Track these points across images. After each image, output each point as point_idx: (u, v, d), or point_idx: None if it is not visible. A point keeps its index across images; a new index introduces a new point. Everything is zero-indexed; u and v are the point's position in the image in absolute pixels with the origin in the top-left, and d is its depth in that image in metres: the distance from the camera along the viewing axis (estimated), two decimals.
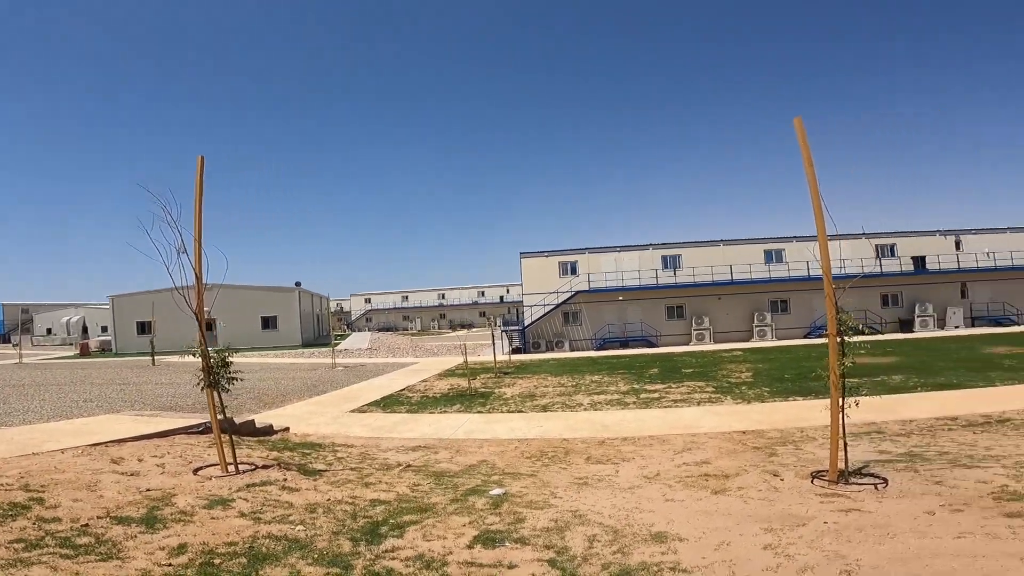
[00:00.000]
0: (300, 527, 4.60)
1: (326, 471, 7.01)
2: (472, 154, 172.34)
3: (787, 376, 16.46)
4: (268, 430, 10.35)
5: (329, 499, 5.49)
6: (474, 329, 70.82)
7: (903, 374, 15.52)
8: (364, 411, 13.71)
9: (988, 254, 33.85)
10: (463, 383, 17.67)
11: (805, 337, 32.46)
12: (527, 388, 16.97)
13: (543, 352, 33.65)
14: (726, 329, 34.04)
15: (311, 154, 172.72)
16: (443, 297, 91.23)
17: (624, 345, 33.95)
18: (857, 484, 5.79)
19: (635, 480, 6.55)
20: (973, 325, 33.06)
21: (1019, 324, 31.94)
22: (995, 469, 6.16)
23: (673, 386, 15.73)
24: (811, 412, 11.08)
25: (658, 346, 33.01)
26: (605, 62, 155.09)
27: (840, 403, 5.97)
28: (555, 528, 4.63)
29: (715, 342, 33.04)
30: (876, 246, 34.47)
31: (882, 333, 32.05)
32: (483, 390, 16.81)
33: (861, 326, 6.53)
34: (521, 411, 13.16)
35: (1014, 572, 3.38)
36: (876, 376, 15.33)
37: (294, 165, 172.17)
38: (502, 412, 13.12)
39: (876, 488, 5.62)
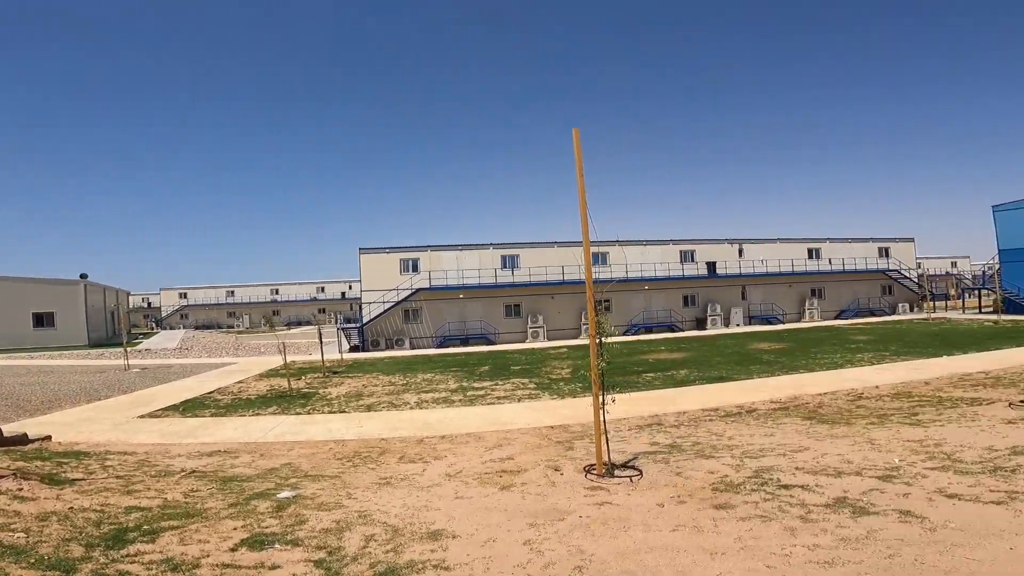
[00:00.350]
0: (22, 534, 3.98)
1: (81, 480, 6.09)
2: (319, 146, 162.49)
3: None
4: (21, 439, 8.78)
5: (71, 508, 4.81)
6: (311, 327, 66.68)
7: (688, 368, 17.88)
8: (158, 416, 12.15)
9: (762, 261, 40.78)
10: (285, 384, 16.55)
11: (624, 334, 36.06)
12: (355, 387, 16.45)
13: (383, 350, 32.90)
14: (558, 327, 36.44)
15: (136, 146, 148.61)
16: (276, 293, 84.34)
17: (464, 343, 34.59)
18: (620, 477, 6.30)
19: (437, 478, 6.69)
20: (750, 323, 39.54)
21: (783, 322, 38.96)
22: (725, 459, 7.13)
23: (500, 383, 16.37)
24: (612, 407, 12.31)
25: (496, 344, 34.20)
26: (440, 56, 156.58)
27: (600, 401, 6.40)
28: (335, 529, 4.56)
29: (548, 339, 35.18)
30: (680, 252, 39.61)
31: (682, 330, 36.91)
32: (307, 391, 15.93)
33: (613, 328, 7.18)
34: (344, 411, 12.73)
35: (701, 568, 3.85)
36: (668, 371, 17.54)
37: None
38: (323, 413, 12.56)
39: (632, 481, 6.13)
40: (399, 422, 11.32)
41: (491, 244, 37.81)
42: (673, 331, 36.65)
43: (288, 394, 15.12)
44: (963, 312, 37.45)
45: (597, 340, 6.45)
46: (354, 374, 19.62)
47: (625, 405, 12.43)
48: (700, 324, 38.43)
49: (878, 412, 9.64)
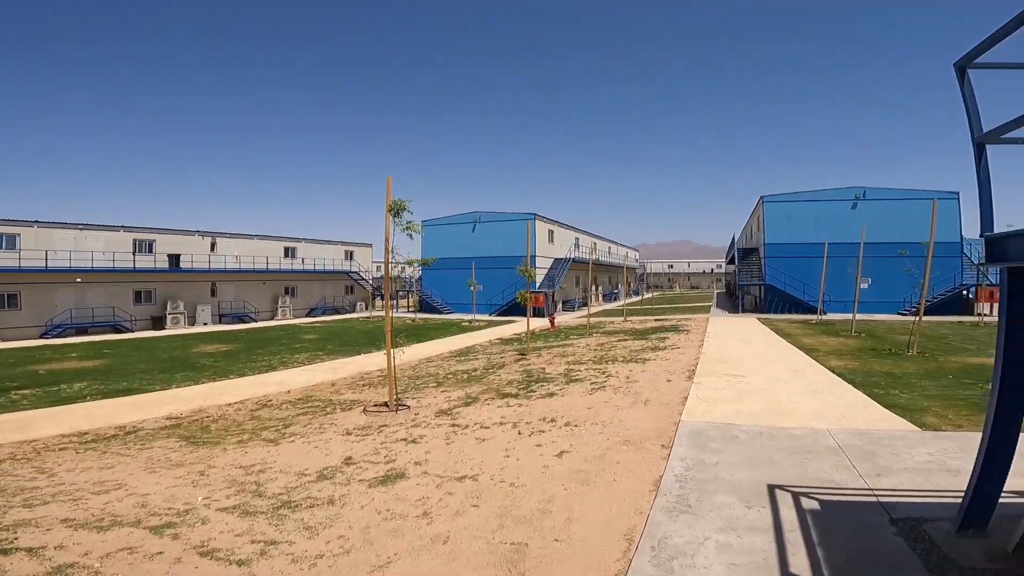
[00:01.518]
0: None
1: None
2: None
3: None
4: None
5: None
6: None
7: (92, 380, 14.47)
8: None
9: (236, 257, 39.08)
10: None
11: (41, 337, 27.40)
12: None
13: None
14: None
15: None
16: None
17: None
18: None
19: None
20: (220, 321, 37.12)
21: (256, 320, 38.28)
22: None
23: None
24: None
25: None
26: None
27: None
28: None
29: None
30: (135, 241, 33.34)
31: (132, 331, 31.13)
32: None
33: None
34: None
35: None
36: (59, 385, 13.66)
37: None
38: None
39: None
40: None
41: None
42: (120, 332, 30.40)
43: None
44: (398, 311, 46.50)
45: None
46: None
47: None
48: (158, 323, 33.37)
49: (262, 425, 9.54)
